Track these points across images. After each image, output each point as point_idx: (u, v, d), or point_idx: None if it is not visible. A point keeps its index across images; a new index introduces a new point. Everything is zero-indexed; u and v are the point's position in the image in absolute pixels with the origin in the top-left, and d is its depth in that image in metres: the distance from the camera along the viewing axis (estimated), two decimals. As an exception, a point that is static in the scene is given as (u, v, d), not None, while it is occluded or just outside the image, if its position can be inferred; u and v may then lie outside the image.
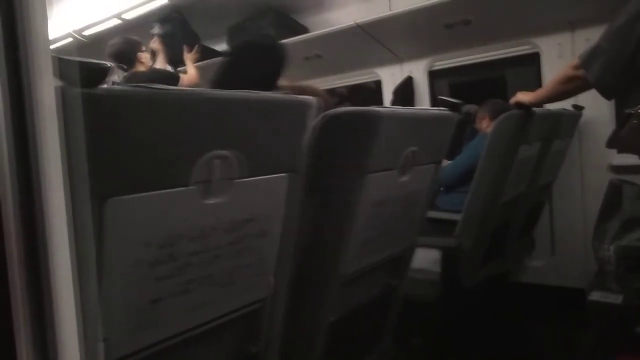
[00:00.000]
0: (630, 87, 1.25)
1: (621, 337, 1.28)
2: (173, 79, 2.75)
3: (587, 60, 1.39)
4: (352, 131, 1.08)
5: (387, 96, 2.92)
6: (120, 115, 0.66)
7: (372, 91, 3.10)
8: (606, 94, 1.38)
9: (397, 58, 2.86)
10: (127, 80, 2.51)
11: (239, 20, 3.03)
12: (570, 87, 1.49)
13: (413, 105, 2.81)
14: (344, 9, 2.77)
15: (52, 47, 0.48)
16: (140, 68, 2.60)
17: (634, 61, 1.24)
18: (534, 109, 1.78)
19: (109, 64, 0.61)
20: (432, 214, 2.01)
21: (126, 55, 2.61)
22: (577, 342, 1.50)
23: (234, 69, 1.37)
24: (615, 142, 1.35)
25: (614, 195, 1.68)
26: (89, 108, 0.56)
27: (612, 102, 1.89)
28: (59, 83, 0.52)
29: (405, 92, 2.81)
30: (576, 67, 1.45)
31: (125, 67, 2.59)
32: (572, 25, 2.26)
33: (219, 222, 0.85)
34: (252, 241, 0.93)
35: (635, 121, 1.23)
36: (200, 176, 0.78)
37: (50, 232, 0.47)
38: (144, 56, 2.67)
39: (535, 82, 2.46)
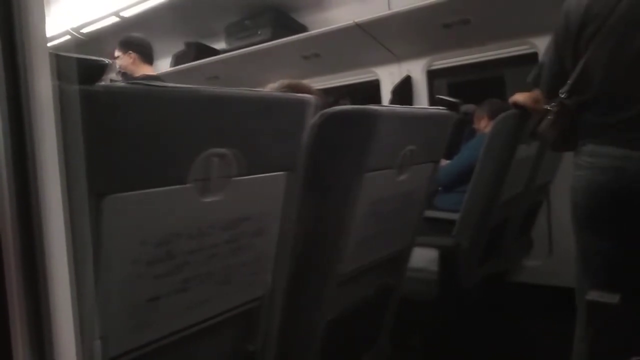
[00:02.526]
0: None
1: (618, 336, 1.28)
2: None
3: (535, 79, 1.51)
4: (350, 130, 1.08)
5: (386, 95, 2.92)
6: (118, 113, 0.65)
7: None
8: None
9: (395, 57, 2.85)
10: None
11: (237, 19, 3.03)
12: (537, 106, 1.57)
13: (411, 105, 2.81)
14: (343, 7, 2.76)
15: (50, 44, 0.48)
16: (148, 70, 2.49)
17: (565, 68, 1.36)
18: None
19: (107, 60, 0.61)
20: (430, 213, 2.02)
21: (147, 49, 2.49)
22: (573, 342, 1.50)
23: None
24: (535, 134, 1.48)
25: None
26: (87, 105, 0.56)
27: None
28: (56, 80, 0.52)
29: (403, 91, 2.81)
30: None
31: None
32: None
33: (217, 220, 0.85)
34: (250, 239, 0.93)
35: (550, 117, 1.36)
36: (198, 174, 0.78)
37: (47, 230, 0.47)
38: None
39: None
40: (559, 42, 1.37)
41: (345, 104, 3.06)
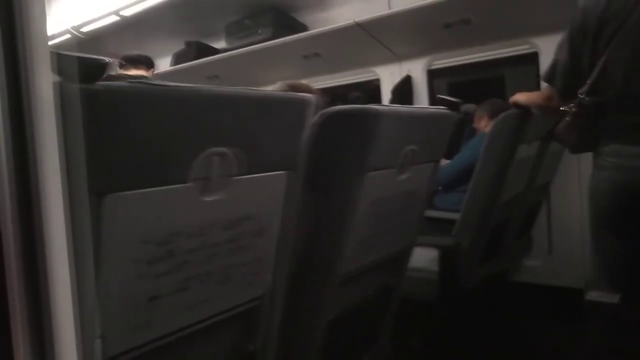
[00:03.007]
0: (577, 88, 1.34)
1: (618, 336, 1.28)
2: None
3: (549, 77, 1.47)
4: (351, 129, 1.08)
5: (386, 95, 2.91)
6: (118, 111, 0.65)
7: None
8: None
9: (396, 57, 2.85)
10: None
11: (237, 18, 3.03)
12: (550, 104, 1.54)
13: (412, 104, 2.81)
14: (344, 7, 2.76)
15: (50, 42, 0.48)
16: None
17: (582, 66, 1.33)
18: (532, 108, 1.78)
19: (107, 59, 0.60)
20: (431, 213, 2.02)
21: (134, 58, 2.58)
22: (573, 342, 1.50)
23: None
24: (553, 135, 1.47)
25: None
26: (87, 103, 0.56)
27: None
28: (57, 78, 0.52)
29: (404, 90, 2.81)
30: (548, 87, 1.54)
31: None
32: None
33: (217, 220, 0.85)
34: (250, 239, 0.93)
35: (568, 118, 1.34)
36: (198, 173, 0.78)
37: (48, 229, 0.47)
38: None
39: (534, 81, 2.46)
40: (575, 39, 1.34)
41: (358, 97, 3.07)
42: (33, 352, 0.47)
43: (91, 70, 0.60)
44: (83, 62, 0.59)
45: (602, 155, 1.31)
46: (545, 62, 2.36)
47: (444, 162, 2.15)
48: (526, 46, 2.46)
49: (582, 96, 1.31)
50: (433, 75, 2.85)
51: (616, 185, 1.27)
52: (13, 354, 0.46)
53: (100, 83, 0.61)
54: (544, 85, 2.17)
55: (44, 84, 0.47)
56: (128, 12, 3.00)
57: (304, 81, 3.20)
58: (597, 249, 1.35)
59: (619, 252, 1.29)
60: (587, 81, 1.29)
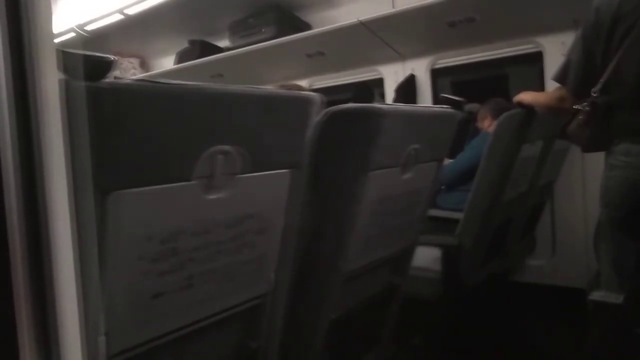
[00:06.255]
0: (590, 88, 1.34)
1: (622, 336, 1.28)
2: None
3: (561, 76, 1.48)
4: (354, 128, 1.08)
5: (390, 94, 2.91)
6: (123, 109, 0.66)
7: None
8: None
9: (399, 56, 2.85)
10: None
11: (241, 17, 3.03)
12: (563, 105, 1.53)
13: (415, 103, 2.80)
14: (347, 6, 2.76)
15: (55, 41, 0.48)
16: None
17: (595, 65, 1.33)
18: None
19: (112, 57, 0.61)
20: (434, 212, 2.01)
21: None
22: (577, 342, 1.50)
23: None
24: (565, 134, 1.46)
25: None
26: (93, 101, 0.56)
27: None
28: (63, 76, 0.52)
29: (407, 89, 2.80)
30: (559, 88, 1.54)
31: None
32: (576, 24, 2.25)
33: (221, 218, 0.85)
34: (253, 237, 0.93)
35: (580, 117, 1.34)
36: (202, 171, 0.78)
37: (53, 226, 0.47)
38: None
39: (538, 81, 2.45)
40: (588, 38, 1.34)
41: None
42: (38, 349, 0.47)
43: (97, 68, 0.60)
44: (88, 60, 0.59)
45: (614, 155, 1.31)
46: (550, 62, 2.36)
47: (447, 161, 2.15)
48: (531, 45, 2.45)
49: (595, 95, 1.30)
50: (437, 74, 2.84)
51: (629, 184, 1.26)
52: (19, 350, 0.46)
53: (106, 81, 0.61)
54: (548, 85, 2.16)
55: (50, 82, 0.47)
56: (132, 11, 3.01)
57: (305, 80, 3.21)
58: (608, 249, 1.34)
59: (631, 252, 1.29)
60: (600, 80, 1.29)
